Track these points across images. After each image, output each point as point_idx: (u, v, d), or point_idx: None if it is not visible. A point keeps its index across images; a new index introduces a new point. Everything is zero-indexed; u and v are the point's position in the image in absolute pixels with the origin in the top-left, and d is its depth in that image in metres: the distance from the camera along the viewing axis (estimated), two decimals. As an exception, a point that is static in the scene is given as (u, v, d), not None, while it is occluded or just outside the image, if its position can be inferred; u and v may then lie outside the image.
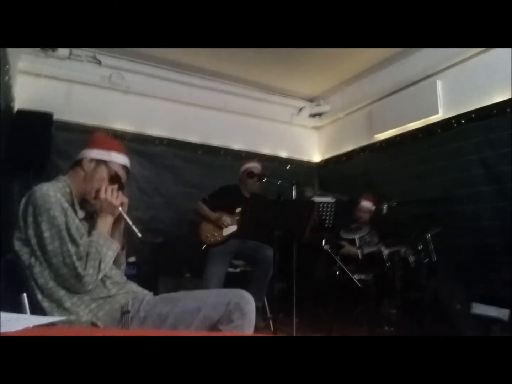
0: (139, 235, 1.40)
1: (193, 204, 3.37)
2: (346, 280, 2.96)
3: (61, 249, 1.21)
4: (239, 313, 1.23)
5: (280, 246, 2.30)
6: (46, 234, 1.21)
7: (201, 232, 3.16)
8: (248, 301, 1.27)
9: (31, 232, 1.22)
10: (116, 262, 1.40)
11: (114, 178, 1.43)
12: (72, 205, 1.33)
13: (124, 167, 1.48)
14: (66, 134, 3.52)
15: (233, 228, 3.10)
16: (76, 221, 1.29)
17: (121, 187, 1.45)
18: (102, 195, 1.37)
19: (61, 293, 1.22)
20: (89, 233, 1.36)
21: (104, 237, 1.32)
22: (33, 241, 1.22)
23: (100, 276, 1.26)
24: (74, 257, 1.20)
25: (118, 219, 1.44)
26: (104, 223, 1.37)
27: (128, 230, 1.45)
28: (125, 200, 1.45)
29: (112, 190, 1.39)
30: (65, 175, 1.42)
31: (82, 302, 1.23)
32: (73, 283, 1.22)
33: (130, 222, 1.42)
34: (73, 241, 1.22)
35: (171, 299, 1.32)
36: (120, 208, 1.41)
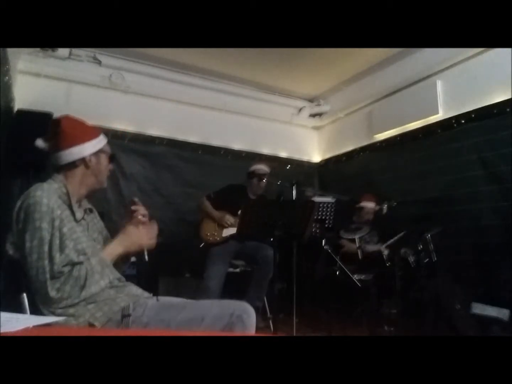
0: (146, 258, 1.37)
1: (193, 204, 3.37)
2: (346, 280, 2.96)
3: (37, 263, 1.16)
4: (241, 326, 1.22)
5: (280, 246, 2.30)
6: (27, 245, 1.17)
7: (201, 229, 3.15)
8: (250, 315, 1.26)
9: (19, 239, 1.20)
10: (116, 265, 1.37)
11: (111, 159, 1.47)
12: (69, 206, 1.30)
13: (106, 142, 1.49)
14: (66, 134, 3.51)
15: (233, 230, 3.09)
16: (64, 229, 1.22)
17: (111, 159, 1.48)
18: (137, 231, 1.36)
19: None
20: (89, 230, 1.35)
21: (104, 264, 1.27)
22: (20, 248, 1.20)
23: (77, 301, 1.19)
24: (47, 275, 1.15)
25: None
26: (114, 250, 1.33)
27: None
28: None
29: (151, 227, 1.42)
30: (60, 174, 1.36)
31: (78, 304, 1.21)
32: (41, 299, 1.17)
33: (146, 257, 1.38)
34: (51, 258, 1.17)
35: (174, 306, 1.30)
36: None
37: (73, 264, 1.20)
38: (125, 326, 1.22)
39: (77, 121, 1.42)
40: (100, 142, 1.43)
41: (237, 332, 1.21)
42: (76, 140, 1.37)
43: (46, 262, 1.17)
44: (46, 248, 1.17)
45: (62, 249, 1.20)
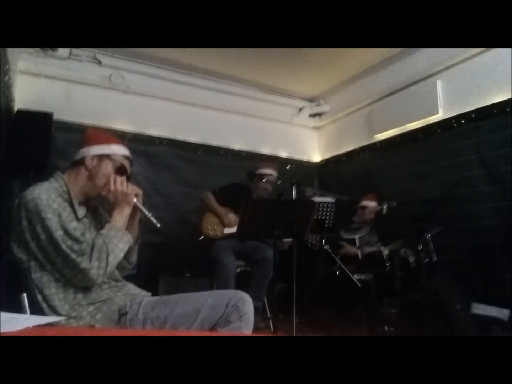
0: (158, 225, 1.40)
1: (193, 204, 3.37)
2: (346, 280, 2.96)
3: (59, 249, 1.19)
4: (237, 315, 1.23)
5: (281, 250, 2.30)
6: (42, 236, 1.20)
7: (202, 223, 3.15)
8: (246, 303, 1.27)
9: (28, 236, 1.21)
10: (127, 255, 1.39)
11: (120, 170, 1.42)
12: (71, 204, 1.31)
13: (127, 157, 1.47)
14: (66, 134, 3.51)
15: (234, 229, 3.09)
16: (73, 222, 1.27)
17: (127, 179, 1.44)
18: (112, 186, 1.36)
19: (61, 296, 1.22)
20: (93, 228, 1.36)
21: (116, 229, 1.31)
22: (32, 244, 1.21)
23: (109, 269, 1.25)
24: (74, 255, 1.19)
25: (133, 211, 1.43)
26: (120, 215, 1.36)
27: (142, 222, 1.45)
28: (139, 191, 1.43)
29: (121, 181, 1.38)
30: (64, 173, 1.38)
31: (80, 306, 1.23)
32: (80, 278, 1.22)
33: (147, 213, 1.42)
34: (73, 239, 1.21)
35: (170, 301, 1.31)
36: (135, 200, 1.41)
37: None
38: (123, 325, 1.22)
39: (98, 130, 1.55)
40: (109, 149, 1.41)
41: (234, 321, 1.22)
42: (87, 142, 1.43)
43: (67, 244, 1.20)
44: (59, 233, 1.20)
45: (81, 233, 1.26)
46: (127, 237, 1.35)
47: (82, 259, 1.19)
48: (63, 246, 1.19)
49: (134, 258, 1.51)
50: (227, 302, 1.25)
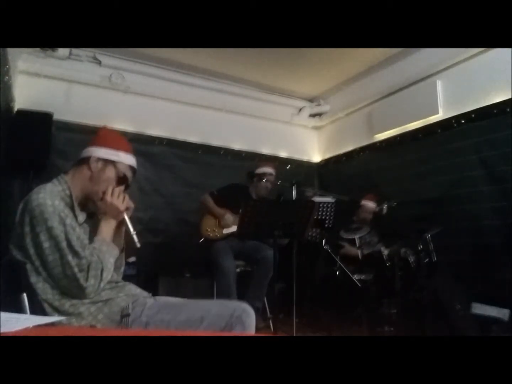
0: (138, 245, 1.39)
1: (193, 204, 3.37)
2: (346, 280, 2.96)
3: (61, 260, 1.19)
4: (240, 327, 1.23)
5: (280, 246, 2.30)
6: (45, 245, 1.19)
7: (202, 225, 3.16)
8: (249, 315, 1.26)
9: (28, 241, 1.20)
10: (115, 264, 1.38)
11: (121, 180, 1.40)
12: (72, 208, 1.30)
13: (131, 167, 1.45)
14: (66, 134, 3.52)
15: (233, 229, 3.10)
16: (76, 229, 1.27)
17: (126, 188, 1.43)
18: (108, 198, 1.35)
19: (57, 303, 1.21)
20: (91, 234, 1.35)
21: (107, 244, 1.31)
22: (31, 251, 1.20)
23: (102, 285, 1.25)
24: (76, 269, 1.19)
25: (121, 222, 1.42)
26: (107, 228, 1.35)
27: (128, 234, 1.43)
28: (131, 205, 1.42)
29: (118, 193, 1.37)
30: (67, 174, 1.37)
31: (82, 304, 1.23)
32: (75, 293, 1.22)
33: (132, 231, 1.39)
34: (75, 253, 1.20)
35: (174, 306, 1.31)
36: (124, 214, 1.39)
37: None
38: (125, 326, 1.22)
39: (112, 131, 1.51)
40: (116, 156, 1.39)
41: (237, 333, 1.21)
42: (97, 142, 1.41)
43: (70, 257, 1.19)
44: (64, 244, 1.20)
45: (83, 245, 1.25)
46: (116, 251, 1.35)
47: (81, 276, 1.19)
48: (69, 258, 1.19)
49: (122, 269, 1.50)
50: (231, 312, 1.24)
